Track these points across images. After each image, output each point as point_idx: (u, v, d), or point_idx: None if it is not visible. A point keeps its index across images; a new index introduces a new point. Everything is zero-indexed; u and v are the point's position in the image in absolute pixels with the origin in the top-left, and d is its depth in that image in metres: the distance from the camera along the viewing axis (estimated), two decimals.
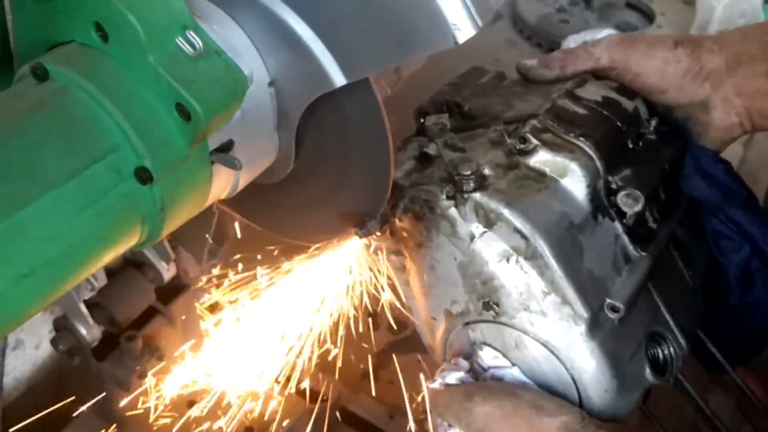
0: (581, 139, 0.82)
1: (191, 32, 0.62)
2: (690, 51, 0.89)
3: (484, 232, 0.78)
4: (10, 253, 0.56)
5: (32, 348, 1.23)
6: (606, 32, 1.03)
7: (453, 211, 0.79)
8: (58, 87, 0.62)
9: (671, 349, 0.85)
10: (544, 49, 1.76)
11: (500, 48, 1.77)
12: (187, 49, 0.62)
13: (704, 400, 1.01)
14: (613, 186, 0.83)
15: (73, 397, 1.16)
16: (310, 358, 1.10)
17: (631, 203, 0.82)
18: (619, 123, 0.88)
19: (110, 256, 0.65)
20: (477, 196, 0.77)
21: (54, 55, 0.64)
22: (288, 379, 1.27)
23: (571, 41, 1.09)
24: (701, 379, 1.03)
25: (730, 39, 0.90)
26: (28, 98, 0.62)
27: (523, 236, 0.76)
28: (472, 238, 0.78)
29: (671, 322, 0.86)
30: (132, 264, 1.13)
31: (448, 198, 0.79)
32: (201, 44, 0.62)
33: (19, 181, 0.57)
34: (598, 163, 0.82)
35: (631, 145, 0.88)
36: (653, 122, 0.91)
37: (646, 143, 0.90)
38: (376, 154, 0.75)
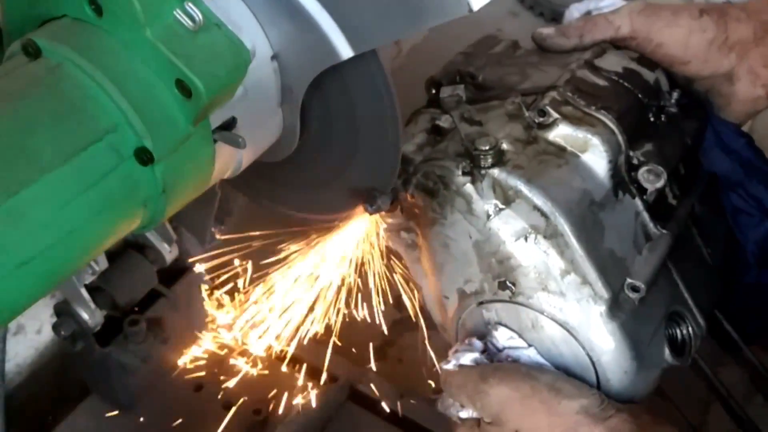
0: (603, 112, 0.79)
1: (189, 4, 0.59)
2: (716, 19, 0.85)
3: (502, 209, 0.75)
4: (7, 240, 0.54)
5: (33, 333, 1.22)
6: (609, 0, 0.99)
7: (469, 188, 0.76)
8: (52, 64, 0.59)
9: (690, 328, 0.83)
10: (546, 19, 1.73)
11: (502, 18, 1.74)
12: (186, 22, 0.59)
13: (716, 372, 1.00)
14: (635, 161, 0.80)
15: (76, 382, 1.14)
16: (317, 335, 1.08)
17: (653, 179, 0.79)
18: (640, 95, 0.85)
19: (112, 240, 0.63)
20: (495, 172, 0.75)
21: (46, 31, 0.61)
22: (295, 359, 1.26)
23: (575, 10, 1.05)
24: (714, 352, 1.02)
25: (758, 7, 0.87)
26: (20, 77, 0.59)
27: (543, 214, 0.74)
28: (489, 215, 0.76)
29: (690, 302, 0.84)
30: (133, 246, 1.11)
31: (464, 174, 0.76)
32: (200, 17, 0.59)
33: (14, 165, 0.55)
34: (620, 138, 0.79)
35: (652, 119, 0.85)
36: (675, 94, 0.88)
37: (667, 116, 0.87)
38: (384, 128, 0.73)
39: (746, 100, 0.89)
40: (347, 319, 1.07)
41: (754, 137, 1.27)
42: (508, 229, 0.75)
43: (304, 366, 1.28)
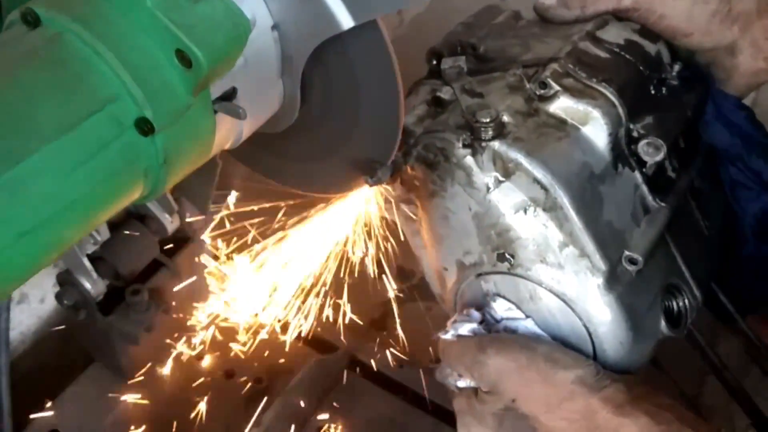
0: (604, 84, 0.79)
1: None
2: None
3: (502, 182, 0.75)
4: (9, 210, 0.54)
5: (37, 302, 1.23)
6: None
7: (469, 160, 0.76)
8: (51, 34, 0.59)
9: (686, 301, 0.84)
10: None
11: None
12: None
13: (714, 344, 1.01)
14: (635, 134, 0.81)
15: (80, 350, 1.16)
16: (320, 307, 1.09)
17: (652, 152, 0.80)
18: (641, 68, 0.84)
19: (113, 211, 0.64)
20: (496, 144, 0.75)
21: (45, 0, 0.60)
22: (296, 330, 1.27)
23: None
24: (712, 324, 1.03)
25: None
26: (19, 46, 0.59)
27: (543, 187, 0.74)
28: (489, 188, 0.76)
29: (687, 274, 0.85)
30: (135, 217, 1.12)
31: (465, 146, 0.76)
32: None
33: (14, 135, 0.55)
34: (621, 111, 0.79)
35: (653, 91, 0.85)
36: (676, 67, 0.88)
37: (668, 89, 0.87)
38: (385, 99, 0.73)
39: (748, 73, 0.89)
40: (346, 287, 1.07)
41: (758, 110, 1.26)
42: (507, 201, 0.76)
43: (305, 335, 1.30)
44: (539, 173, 0.74)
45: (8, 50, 0.59)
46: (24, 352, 1.22)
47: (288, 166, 0.86)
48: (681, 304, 0.84)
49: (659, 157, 0.80)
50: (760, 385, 1.05)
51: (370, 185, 0.79)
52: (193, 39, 0.58)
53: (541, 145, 0.75)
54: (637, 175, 0.81)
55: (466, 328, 0.82)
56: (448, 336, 0.82)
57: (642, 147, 0.80)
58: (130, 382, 1.22)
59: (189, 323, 1.21)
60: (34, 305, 1.23)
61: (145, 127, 0.60)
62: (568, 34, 0.86)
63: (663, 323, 0.81)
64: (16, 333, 1.20)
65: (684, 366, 1.05)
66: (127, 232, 1.13)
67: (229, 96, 0.67)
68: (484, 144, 0.75)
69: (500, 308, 0.82)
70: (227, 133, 0.70)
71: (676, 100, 0.87)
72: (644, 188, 0.81)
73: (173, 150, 0.63)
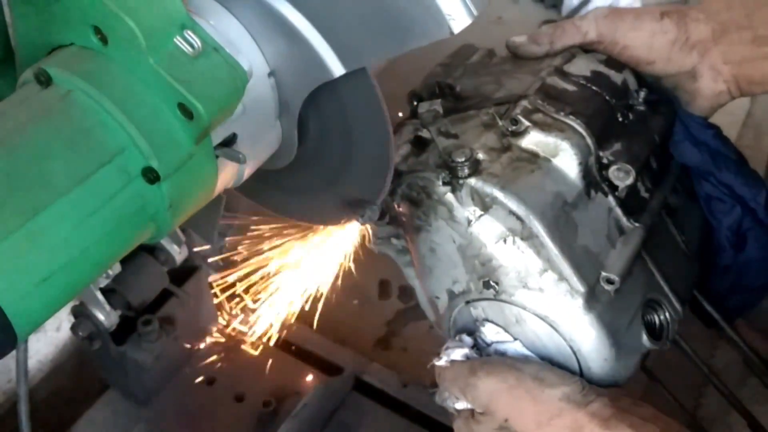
0: (571, 117, 0.83)
1: (189, 32, 0.62)
2: (676, 21, 0.90)
3: (481, 215, 0.79)
4: (28, 259, 0.58)
5: (53, 330, 1.26)
6: None
7: (450, 197, 0.80)
8: (62, 92, 0.62)
9: (667, 314, 0.87)
10: (545, 5, 1.77)
11: (503, 6, 1.77)
12: (186, 48, 0.62)
13: (712, 354, 1.03)
14: (605, 161, 0.85)
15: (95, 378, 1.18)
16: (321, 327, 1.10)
17: (622, 177, 0.84)
18: (608, 97, 0.89)
19: (124, 252, 0.67)
20: (472, 181, 0.79)
21: (56, 60, 0.64)
22: (302, 350, 1.29)
23: None
24: (709, 335, 1.05)
25: (716, 7, 0.91)
26: (33, 105, 0.63)
27: (519, 218, 0.78)
28: (470, 221, 0.80)
29: (666, 288, 0.88)
30: (144, 248, 1.14)
31: (444, 184, 0.80)
32: (199, 43, 0.63)
33: (31, 190, 0.58)
34: (589, 141, 0.83)
35: (620, 119, 0.89)
36: (642, 93, 0.92)
37: (635, 115, 0.91)
38: (376, 143, 0.76)
39: (710, 95, 0.93)
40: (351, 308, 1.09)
41: (752, 121, 1.29)
42: (487, 233, 0.80)
43: (311, 357, 1.32)
44: (514, 205, 0.78)
45: (23, 109, 0.62)
46: (41, 380, 1.25)
47: (285, 198, 0.89)
48: (662, 317, 0.87)
49: (630, 180, 0.84)
50: (759, 394, 1.06)
51: (361, 224, 0.84)
52: (194, 93, 0.61)
53: (515, 179, 0.79)
54: (610, 199, 0.85)
55: (458, 354, 0.85)
56: (442, 362, 0.86)
57: (612, 172, 0.84)
58: (143, 407, 1.25)
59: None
60: (51, 334, 1.25)
61: (151, 175, 0.62)
62: (538, 69, 0.91)
63: (645, 337, 0.84)
64: (33, 361, 1.22)
65: (682, 378, 1.06)
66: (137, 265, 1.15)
67: (230, 141, 0.70)
68: (461, 181, 0.79)
69: (490, 332, 0.86)
70: (229, 174, 0.73)
71: (643, 124, 0.91)
72: (618, 211, 0.85)
73: (178, 195, 0.65)
